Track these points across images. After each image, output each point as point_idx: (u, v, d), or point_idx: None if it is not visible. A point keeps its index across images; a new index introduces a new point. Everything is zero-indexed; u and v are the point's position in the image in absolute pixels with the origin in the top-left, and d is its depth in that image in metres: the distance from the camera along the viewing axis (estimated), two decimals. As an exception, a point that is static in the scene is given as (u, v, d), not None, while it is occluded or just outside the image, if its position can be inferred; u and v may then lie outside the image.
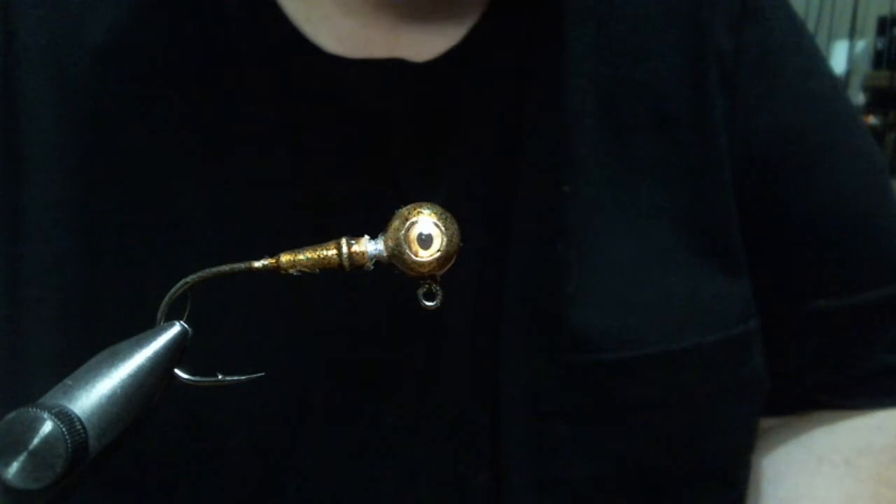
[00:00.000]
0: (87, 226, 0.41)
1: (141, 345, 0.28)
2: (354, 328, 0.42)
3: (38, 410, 0.25)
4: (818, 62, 0.49)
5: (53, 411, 0.25)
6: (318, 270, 0.29)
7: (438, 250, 0.29)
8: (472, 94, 0.43)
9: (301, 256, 0.29)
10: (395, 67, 0.42)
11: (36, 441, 0.25)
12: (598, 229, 0.42)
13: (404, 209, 0.30)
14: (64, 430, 0.25)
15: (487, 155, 0.43)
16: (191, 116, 0.42)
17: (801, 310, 0.46)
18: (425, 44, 0.43)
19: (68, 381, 0.27)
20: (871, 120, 2.15)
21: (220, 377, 0.30)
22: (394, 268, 0.29)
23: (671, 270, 0.43)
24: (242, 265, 0.29)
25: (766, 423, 0.49)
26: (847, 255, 0.46)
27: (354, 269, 0.29)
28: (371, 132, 0.42)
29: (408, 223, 0.29)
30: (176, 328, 0.29)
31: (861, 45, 2.30)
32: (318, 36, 0.42)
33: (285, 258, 0.29)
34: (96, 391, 0.27)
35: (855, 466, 0.46)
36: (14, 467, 0.25)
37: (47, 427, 0.25)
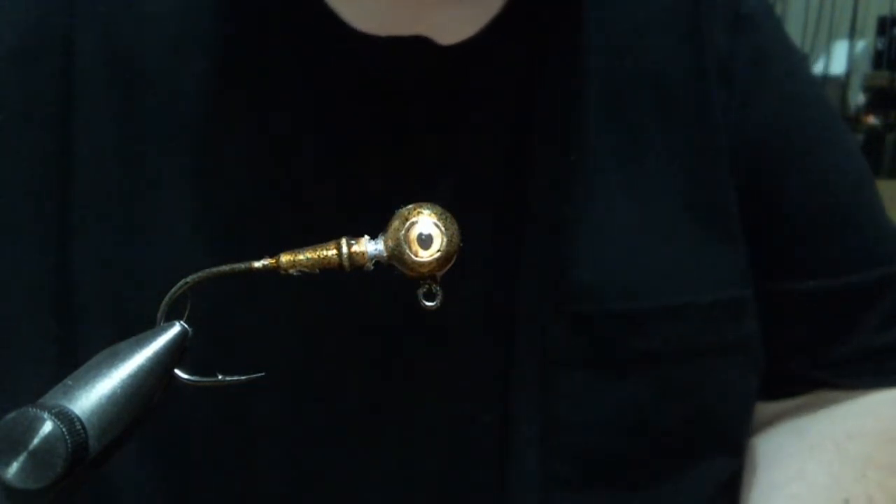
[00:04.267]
0: (134, 218, 0.42)
1: (141, 345, 0.28)
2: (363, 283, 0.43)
3: (38, 410, 0.25)
4: (802, 66, 0.55)
5: (53, 411, 0.25)
6: (317, 270, 0.30)
7: (438, 250, 0.29)
8: (489, 79, 0.45)
9: (301, 256, 0.29)
10: (418, 45, 0.43)
11: (36, 441, 0.25)
12: (604, 195, 0.45)
13: (404, 209, 0.30)
14: (64, 430, 0.25)
15: (500, 135, 0.45)
16: (216, 89, 0.43)
17: (790, 289, 0.50)
18: (451, 27, 0.44)
19: (68, 381, 0.27)
20: (872, 120, 2.15)
21: (220, 377, 0.30)
22: (394, 268, 0.30)
23: (672, 236, 0.46)
24: (242, 265, 0.29)
25: (763, 412, 0.52)
26: (831, 240, 0.50)
27: (354, 269, 0.29)
28: (391, 106, 0.44)
29: (408, 223, 0.29)
30: (176, 328, 0.29)
31: (861, 45, 2.30)
32: (347, 13, 0.44)
33: (285, 258, 0.29)
34: (96, 391, 0.27)
35: (844, 450, 0.49)
36: (14, 467, 0.25)
37: (47, 427, 0.25)
